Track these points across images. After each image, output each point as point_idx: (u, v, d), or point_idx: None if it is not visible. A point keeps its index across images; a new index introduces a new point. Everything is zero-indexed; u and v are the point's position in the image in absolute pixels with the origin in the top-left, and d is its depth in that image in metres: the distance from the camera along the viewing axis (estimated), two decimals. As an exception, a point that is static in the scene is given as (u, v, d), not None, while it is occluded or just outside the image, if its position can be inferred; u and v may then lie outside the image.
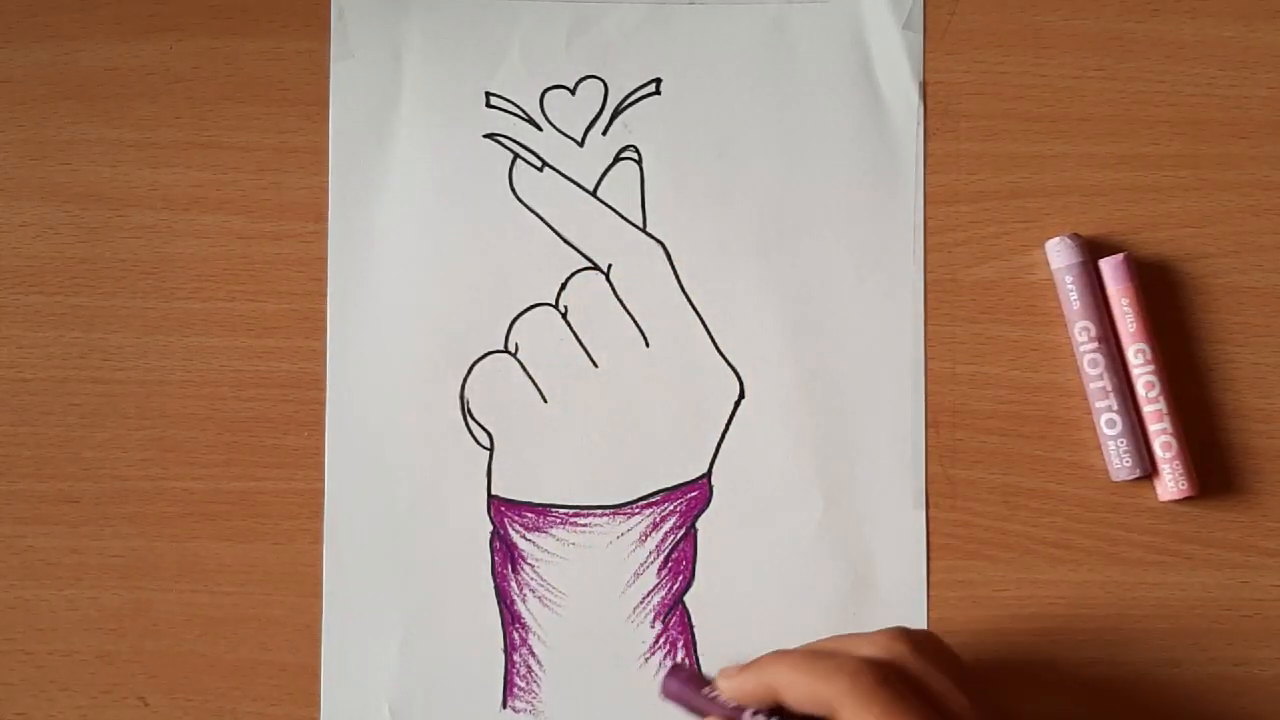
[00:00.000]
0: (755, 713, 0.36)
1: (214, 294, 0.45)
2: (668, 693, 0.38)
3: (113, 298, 0.45)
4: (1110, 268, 0.44)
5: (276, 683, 0.44)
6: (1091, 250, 0.44)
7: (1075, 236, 0.44)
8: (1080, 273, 0.43)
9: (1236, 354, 0.44)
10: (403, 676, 0.44)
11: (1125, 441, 0.43)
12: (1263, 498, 0.44)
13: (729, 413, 0.44)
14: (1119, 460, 0.43)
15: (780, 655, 0.37)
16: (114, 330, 0.45)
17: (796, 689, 0.35)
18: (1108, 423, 0.43)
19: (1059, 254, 0.44)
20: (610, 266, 0.45)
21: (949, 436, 0.44)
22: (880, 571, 0.44)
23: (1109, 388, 0.43)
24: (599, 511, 0.44)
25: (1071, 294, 0.43)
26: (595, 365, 0.45)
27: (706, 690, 0.38)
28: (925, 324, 0.45)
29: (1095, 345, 0.43)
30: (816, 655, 0.36)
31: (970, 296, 0.45)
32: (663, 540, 0.44)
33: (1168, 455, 0.43)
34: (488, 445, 0.44)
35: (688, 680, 0.38)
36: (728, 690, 0.37)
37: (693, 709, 0.38)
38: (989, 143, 0.45)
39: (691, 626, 0.44)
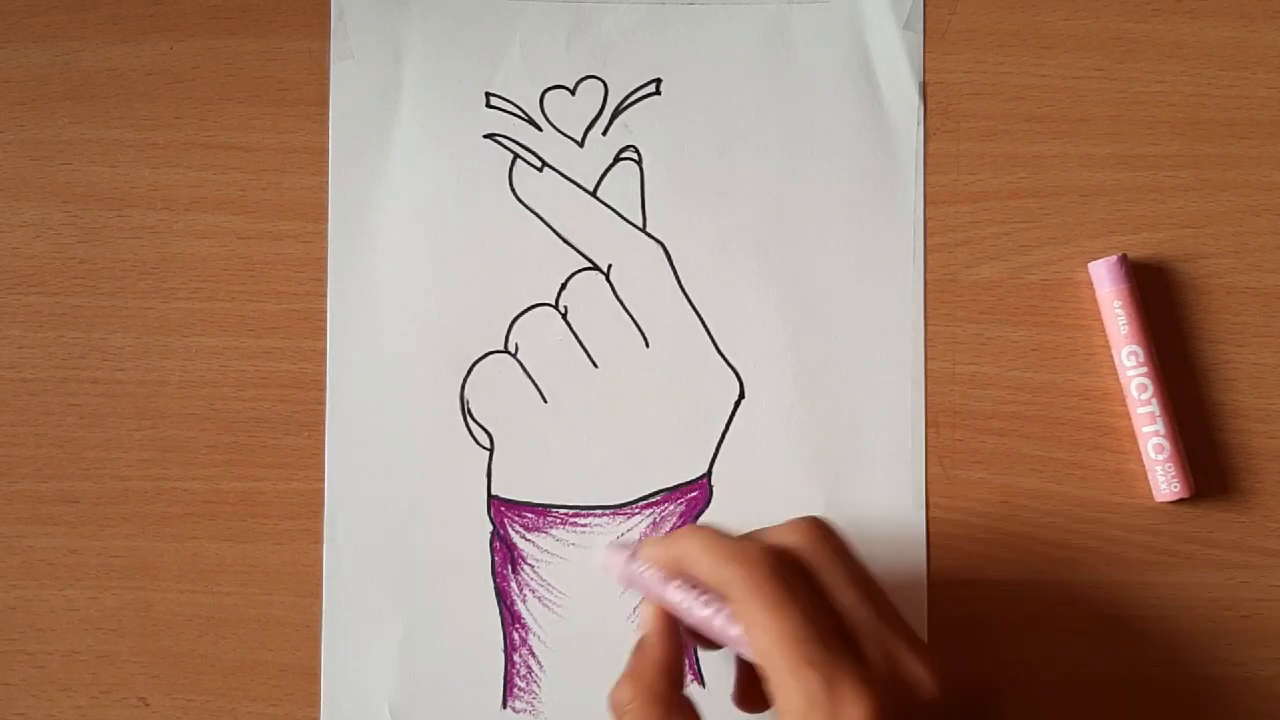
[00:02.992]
0: (679, 586, 0.37)
1: (214, 294, 0.45)
2: (605, 568, 0.39)
3: (113, 298, 0.45)
4: (1104, 269, 0.44)
5: (277, 683, 0.44)
6: (1090, 251, 0.44)
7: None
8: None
9: (1236, 354, 0.44)
10: (403, 677, 0.44)
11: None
12: (1263, 498, 0.44)
13: (729, 413, 0.44)
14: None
15: (694, 531, 0.37)
16: (114, 330, 0.45)
17: (700, 566, 0.36)
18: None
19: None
20: (610, 267, 0.45)
21: (949, 436, 0.44)
22: (880, 571, 0.44)
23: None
24: (599, 511, 0.44)
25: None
26: (595, 365, 0.45)
27: (636, 562, 0.38)
28: (925, 324, 0.45)
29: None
30: (723, 538, 0.36)
31: (970, 297, 0.45)
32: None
33: (1160, 457, 0.43)
34: (488, 445, 0.44)
35: (623, 553, 0.39)
36: (645, 556, 0.38)
37: (626, 582, 0.38)
38: (989, 143, 0.45)
39: (691, 626, 0.44)
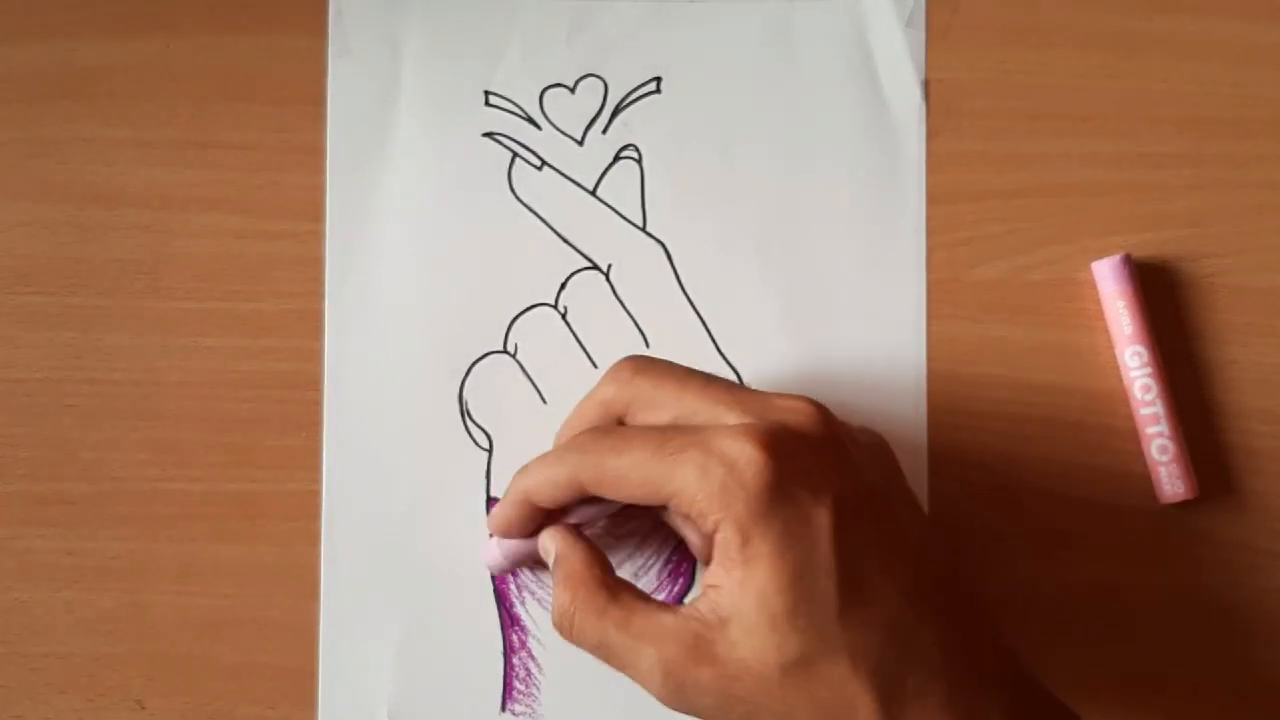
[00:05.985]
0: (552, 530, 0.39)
1: (211, 294, 0.45)
2: (491, 565, 0.41)
3: (109, 297, 0.45)
4: (1108, 269, 0.44)
5: (274, 685, 0.44)
6: (1093, 250, 0.44)
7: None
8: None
9: (1240, 354, 0.44)
10: (401, 679, 0.44)
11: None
12: (1265, 499, 0.44)
13: (730, 413, 0.44)
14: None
15: (518, 473, 0.38)
16: (110, 330, 0.45)
17: (541, 486, 0.37)
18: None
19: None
20: (610, 266, 0.45)
21: (949, 437, 0.44)
22: (882, 573, 0.44)
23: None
24: (599, 513, 0.44)
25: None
26: (595, 365, 0.44)
27: (496, 540, 0.41)
28: (927, 324, 0.44)
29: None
30: (544, 454, 0.38)
31: (972, 296, 0.45)
32: (663, 542, 0.44)
33: (1164, 458, 0.43)
34: (487, 446, 0.44)
35: (491, 543, 0.41)
36: (497, 524, 0.40)
37: (513, 560, 0.41)
38: (992, 141, 0.45)
39: (692, 628, 0.44)
